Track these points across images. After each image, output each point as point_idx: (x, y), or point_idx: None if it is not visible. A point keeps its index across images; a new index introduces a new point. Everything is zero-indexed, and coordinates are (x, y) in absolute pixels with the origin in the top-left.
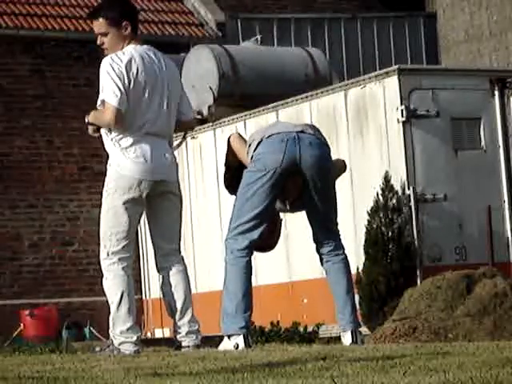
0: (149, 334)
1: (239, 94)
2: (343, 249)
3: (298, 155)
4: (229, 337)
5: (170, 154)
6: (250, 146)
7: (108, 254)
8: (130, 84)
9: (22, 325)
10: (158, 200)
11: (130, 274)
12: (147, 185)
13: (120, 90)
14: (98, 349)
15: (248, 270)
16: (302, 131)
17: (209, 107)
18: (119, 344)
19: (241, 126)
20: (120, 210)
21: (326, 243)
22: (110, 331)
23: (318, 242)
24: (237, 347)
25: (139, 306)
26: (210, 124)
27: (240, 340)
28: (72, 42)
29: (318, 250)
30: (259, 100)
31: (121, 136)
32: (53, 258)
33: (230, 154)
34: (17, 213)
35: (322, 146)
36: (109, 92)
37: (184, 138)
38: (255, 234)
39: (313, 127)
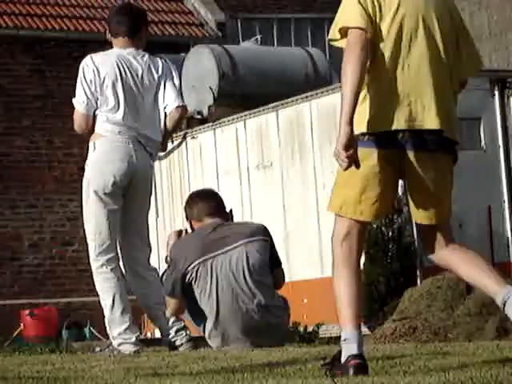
0: (149, 334)
1: (239, 94)
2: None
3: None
4: None
5: (145, 154)
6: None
7: (96, 255)
8: (100, 85)
9: (21, 325)
10: (129, 203)
11: (120, 274)
12: (120, 182)
13: (87, 95)
14: (98, 349)
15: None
16: None
17: (209, 107)
18: (118, 345)
19: (241, 126)
20: (99, 209)
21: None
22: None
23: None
24: None
25: (139, 306)
26: (210, 124)
27: None
28: (72, 42)
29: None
30: (259, 100)
31: (94, 137)
32: (53, 258)
33: None
34: (17, 213)
35: None
36: (77, 97)
37: (184, 137)
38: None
39: None
